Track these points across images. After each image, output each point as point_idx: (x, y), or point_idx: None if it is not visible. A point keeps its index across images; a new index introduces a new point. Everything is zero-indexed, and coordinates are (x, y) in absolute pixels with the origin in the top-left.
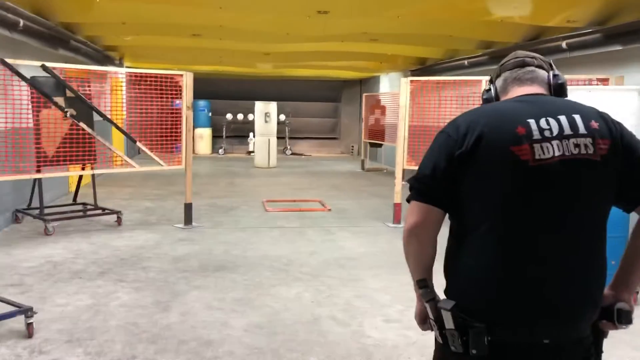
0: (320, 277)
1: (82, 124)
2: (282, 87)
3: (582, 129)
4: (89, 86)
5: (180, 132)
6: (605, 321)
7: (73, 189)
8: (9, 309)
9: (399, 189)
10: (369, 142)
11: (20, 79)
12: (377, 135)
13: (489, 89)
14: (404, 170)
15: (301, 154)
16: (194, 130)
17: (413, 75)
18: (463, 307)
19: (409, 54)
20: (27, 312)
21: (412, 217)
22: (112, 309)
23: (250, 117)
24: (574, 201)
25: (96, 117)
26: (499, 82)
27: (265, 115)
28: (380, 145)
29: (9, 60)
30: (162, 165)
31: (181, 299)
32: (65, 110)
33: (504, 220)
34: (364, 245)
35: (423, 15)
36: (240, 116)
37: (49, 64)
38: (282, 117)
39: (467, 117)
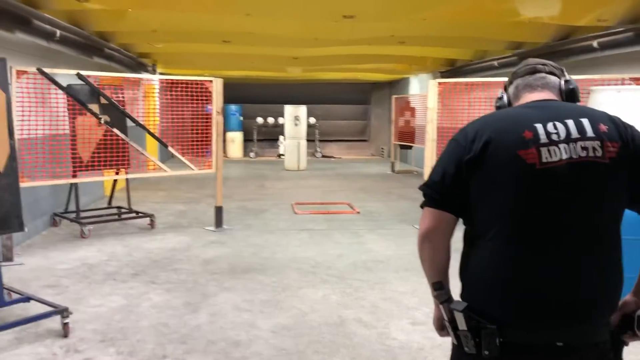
0: (347, 280)
1: (115, 130)
2: (311, 90)
3: (590, 132)
4: (122, 93)
5: (211, 136)
6: (626, 332)
7: (108, 193)
8: (47, 309)
9: None
10: (399, 144)
11: (57, 87)
12: (407, 137)
13: (502, 97)
14: None
15: (331, 157)
16: (225, 134)
17: (443, 76)
18: (475, 308)
19: (437, 56)
20: (63, 312)
21: (425, 223)
22: (143, 310)
23: (280, 120)
24: (583, 203)
25: (130, 123)
26: (511, 89)
27: (295, 119)
28: (410, 147)
29: (46, 70)
30: (193, 170)
31: (210, 300)
32: (100, 117)
33: (513, 223)
34: (392, 248)
35: (450, 18)
36: (270, 120)
37: (83, 72)
38: (312, 120)
39: (476, 124)
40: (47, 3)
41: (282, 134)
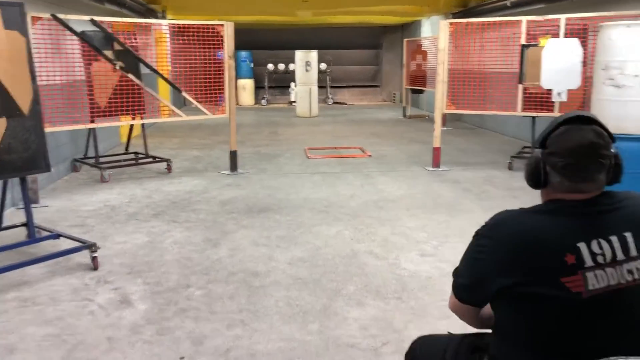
0: (359, 218)
1: (130, 76)
2: (322, 35)
3: (633, 250)
4: (135, 39)
5: (224, 83)
6: None
7: (124, 140)
8: (76, 245)
9: (438, 134)
10: (411, 89)
11: (71, 34)
12: (419, 81)
13: (537, 168)
14: (444, 115)
15: (343, 103)
16: (236, 81)
17: (455, 17)
18: None
19: None
20: (92, 247)
21: (450, 304)
22: (166, 246)
23: (291, 66)
24: (631, 328)
25: (143, 70)
26: (550, 163)
27: (306, 64)
28: (422, 92)
29: (60, 16)
30: (207, 114)
31: (230, 236)
32: (115, 62)
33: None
34: (403, 188)
35: None
36: (281, 66)
37: (97, 18)
38: (323, 65)
39: (507, 243)
40: None
41: (293, 80)
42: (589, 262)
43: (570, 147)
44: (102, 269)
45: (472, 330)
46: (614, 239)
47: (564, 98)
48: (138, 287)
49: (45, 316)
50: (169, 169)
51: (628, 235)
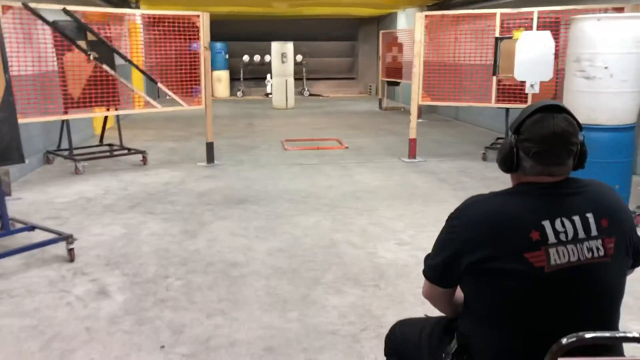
0: (337, 208)
1: (105, 66)
2: (298, 26)
3: (594, 230)
4: (109, 29)
5: (199, 75)
6: None
7: (99, 132)
8: (52, 237)
9: (414, 125)
10: (387, 81)
11: (43, 23)
12: (395, 73)
13: (510, 151)
14: (419, 107)
15: (319, 95)
16: (212, 72)
17: (430, 10)
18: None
19: None
20: (68, 238)
21: (424, 290)
22: (143, 237)
23: (267, 58)
24: (591, 305)
25: (118, 61)
26: (522, 148)
27: (281, 56)
28: (397, 84)
29: (32, 5)
30: (182, 106)
31: (207, 227)
32: (89, 53)
33: (514, 328)
34: (380, 179)
35: None
36: (257, 58)
37: (70, 7)
38: (299, 57)
39: (478, 223)
40: None
41: (269, 72)
42: (552, 238)
43: (544, 134)
44: (79, 261)
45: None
46: (577, 218)
47: (536, 90)
48: (116, 278)
49: (22, 308)
50: (144, 160)
51: (590, 216)
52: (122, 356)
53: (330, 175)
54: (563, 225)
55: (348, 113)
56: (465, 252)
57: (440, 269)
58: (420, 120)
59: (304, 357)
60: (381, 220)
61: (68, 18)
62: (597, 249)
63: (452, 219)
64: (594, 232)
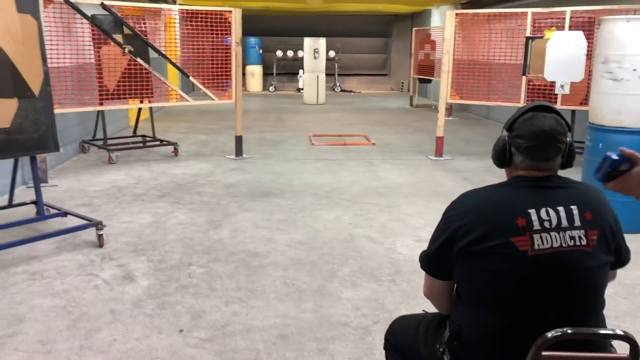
0: (359, 203)
1: (139, 60)
2: (331, 22)
3: (577, 221)
4: (144, 23)
5: (230, 69)
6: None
7: (133, 123)
8: (83, 223)
9: (442, 123)
10: (418, 78)
11: (82, 17)
12: (427, 70)
13: (502, 146)
14: (451, 106)
15: (350, 91)
16: (245, 67)
17: (464, 8)
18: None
19: None
20: (98, 225)
21: (424, 287)
22: (170, 226)
23: (300, 54)
24: (572, 290)
25: (152, 55)
26: (514, 144)
27: (314, 52)
28: (429, 81)
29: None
30: (214, 99)
31: (231, 219)
32: (124, 46)
33: (500, 309)
34: (404, 176)
35: None
36: (290, 53)
37: (107, 2)
38: (332, 53)
39: (470, 211)
40: None
41: (302, 67)
42: (536, 225)
43: (534, 131)
44: (108, 247)
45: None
46: (561, 209)
47: (566, 90)
48: (142, 264)
49: (53, 289)
50: (175, 152)
51: (574, 208)
52: (142, 337)
53: (355, 170)
54: (548, 214)
55: (378, 109)
56: (457, 238)
57: (434, 257)
58: (450, 118)
59: (315, 346)
60: (402, 216)
61: (106, 12)
62: (580, 237)
63: (447, 210)
64: (577, 223)
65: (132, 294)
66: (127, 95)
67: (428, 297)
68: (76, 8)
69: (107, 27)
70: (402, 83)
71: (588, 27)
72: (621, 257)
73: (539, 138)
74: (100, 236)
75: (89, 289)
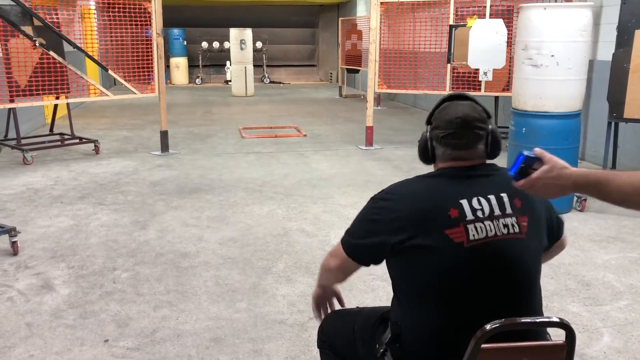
0: (292, 196)
1: (52, 53)
2: (257, 13)
3: (508, 209)
4: (56, 14)
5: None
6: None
7: (49, 121)
8: None
9: (371, 113)
10: (346, 68)
11: None
12: (354, 60)
13: (425, 142)
14: (379, 95)
15: (279, 82)
16: (169, 59)
17: None
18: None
19: None
20: (11, 231)
21: (333, 261)
22: (92, 229)
23: (226, 45)
24: (510, 279)
25: (68, 47)
26: (434, 137)
27: (240, 43)
28: (357, 71)
29: None
30: (135, 93)
31: (158, 218)
32: (34, 39)
33: (440, 303)
34: (336, 167)
35: None
36: (216, 44)
37: None
38: (259, 44)
39: (400, 204)
40: None
41: (229, 59)
42: (469, 215)
43: (448, 119)
44: (23, 254)
45: (379, 304)
46: (492, 197)
47: (489, 77)
48: (61, 271)
49: None
50: (96, 150)
51: (504, 196)
52: (63, 351)
53: (287, 163)
54: (480, 203)
55: (308, 100)
56: (392, 233)
57: (366, 249)
58: (379, 108)
59: (250, 347)
60: (335, 207)
61: (12, 2)
62: (512, 225)
63: (377, 199)
64: (508, 210)
65: (51, 305)
66: (41, 91)
67: (333, 268)
68: None
69: (14, 18)
70: (331, 73)
71: (507, 15)
72: (555, 231)
73: (455, 125)
74: (14, 243)
75: (1, 302)
